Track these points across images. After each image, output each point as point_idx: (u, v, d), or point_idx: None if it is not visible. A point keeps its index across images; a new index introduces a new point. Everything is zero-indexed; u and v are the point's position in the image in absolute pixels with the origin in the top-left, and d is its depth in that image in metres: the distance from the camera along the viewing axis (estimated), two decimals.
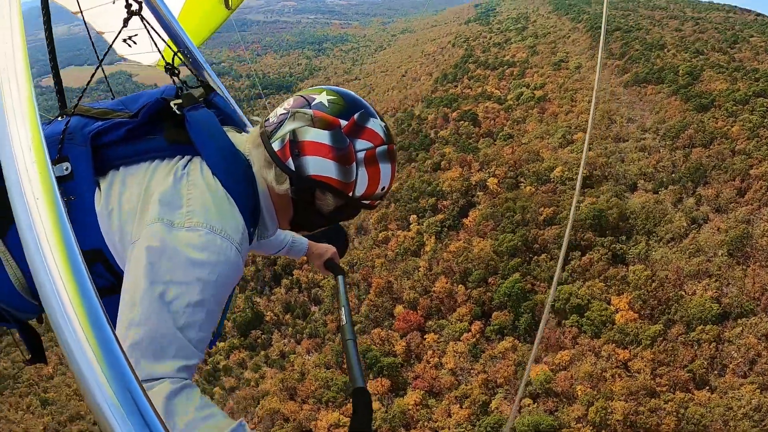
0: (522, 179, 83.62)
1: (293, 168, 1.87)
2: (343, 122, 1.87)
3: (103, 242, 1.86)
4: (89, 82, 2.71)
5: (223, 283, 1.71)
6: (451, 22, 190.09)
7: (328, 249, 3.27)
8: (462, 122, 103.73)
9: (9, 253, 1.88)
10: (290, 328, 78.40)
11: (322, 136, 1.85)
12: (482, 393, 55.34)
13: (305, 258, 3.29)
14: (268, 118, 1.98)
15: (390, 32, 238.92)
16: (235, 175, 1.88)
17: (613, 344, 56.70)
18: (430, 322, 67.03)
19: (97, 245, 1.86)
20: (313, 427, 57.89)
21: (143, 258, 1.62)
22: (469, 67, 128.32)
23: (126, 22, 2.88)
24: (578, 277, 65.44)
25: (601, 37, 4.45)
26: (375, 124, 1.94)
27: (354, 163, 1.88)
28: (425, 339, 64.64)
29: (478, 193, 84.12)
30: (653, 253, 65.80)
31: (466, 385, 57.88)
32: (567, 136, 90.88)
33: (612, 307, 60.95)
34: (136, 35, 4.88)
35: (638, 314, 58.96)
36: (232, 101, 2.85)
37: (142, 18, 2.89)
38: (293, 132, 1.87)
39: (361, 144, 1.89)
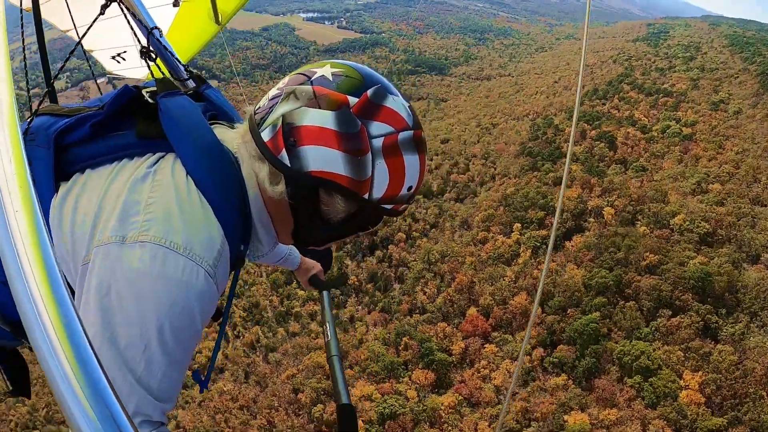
0: (639, 217, 77.05)
1: (288, 163, 1.47)
2: (353, 100, 1.44)
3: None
4: (56, 75, 2.47)
5: (189, 319, 1.36)
6: (619, 37, 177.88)
7: (314, 265, 2.99)
8: (598, 143, 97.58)
9: None
10: (367, 297, 79.13)
11: (324, 119, 1.42)
12: (515, 421, 52.60)
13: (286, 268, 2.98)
14: (260, 104, 1.56)
15: (555, 35, 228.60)
16: (216, 175, 1.49)
17: (666, 422, 50.16)
18: (495, 333, 64.61)
19: None
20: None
21: (92, 291, 1.33)
22: (623, 87, 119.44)
23: (103, 9, 2.53)
24: (659, 337, 58.70)
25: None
26: (396, 103, 1.49)
27: (369, 154, 1.45)
28: (484, 348, 62.52)
29: (590, 219, 78.98)
30: (750, 338, 56.71)
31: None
32: (703, 184, 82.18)
33: (681, 381, 53.64)
34: (124, 52, 4.98)
35: (706, 399, 51.57)
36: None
37: (120, 4, 2.52)
38: (286, 115, 1.46)
39: (378, 128, 1.45)
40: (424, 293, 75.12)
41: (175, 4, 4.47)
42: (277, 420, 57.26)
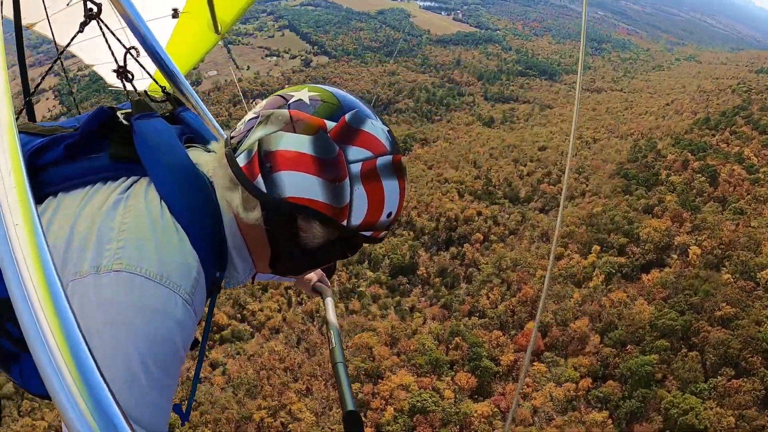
0: (726, 263, 70.97)
1: (264, 189, 1.42)
2: (330, 124, 1.41)
3: None
4: (36, 87, 2.40)
5: (171, 348, 1.31)
6: (743, 66, 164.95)
7: (317, 272, 2.90)
8: (699, 176, 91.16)
9: None
10: (432, 290, 79.93)
11: (301, 144, 1.39)
12: None
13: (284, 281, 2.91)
14: (236, 127, 1.55)
15: (675, 54, 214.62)
16: (190, 200, 1.46)
17: None
18: (548, 354, 63.27)
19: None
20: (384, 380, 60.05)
21: None
22: (737, 121, 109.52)
23: (82, 26, 2.54)
24: (715, 396, 53.85)
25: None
26: (374, 128, 1.46)
27: (347, 180, 1.41)
28: (533, 365, 61.07)
29: (674, 255, 74.69)
30: None
31: (537, 430, 54.55)
32: None
33: None
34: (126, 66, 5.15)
35: None
36: (212, 118, 2.49)
37: (100, 21, 2.50)
38: (263, 140, 1.42)
39: (356, 153, 1.42)
40: (488, 298, 74.69)
41: (175, 15, 4.52)
42: (314, 388, 59.69)
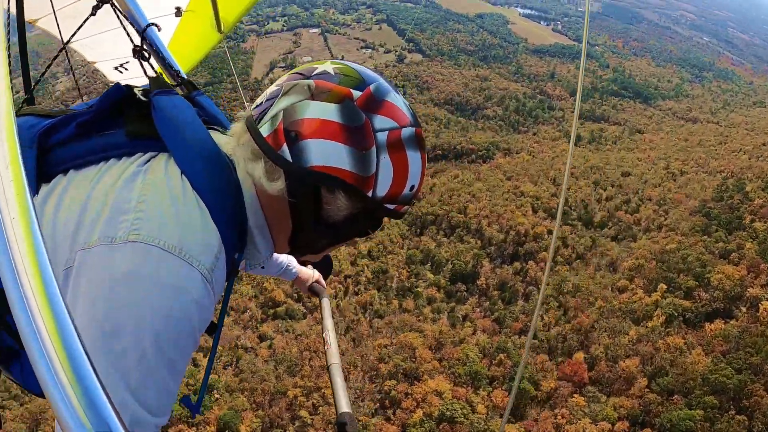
0: None
1: (289, 157, 1.38)
2: (356, 93, 1.38)
3: None
4: (41, 76, 2.25)
5: (186, 327, 1.26)
6: None
7: (313, 272, 2.96)
8: None
9: None
10: (488, 302, 79.61)
11: (328, 111, 1.35)
12: None
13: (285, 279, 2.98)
14: (257, 102, 1.51)
15: None
16: (213, 176, 1.41)
17: None
18: (591, 388, 61.38)
19: None
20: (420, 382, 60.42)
21: (79, 299, 1.22)
22: None
23: (95, 9, 2.55)
24: None
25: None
26: (398, 100, 1.46)
27: (373, 149, 1.38)
28: (573, 397, 59.73)
29: (742, 308, 70.47)
30: None
31: None
32: None
33: None
34: (128, 62, 4.84)
35: None
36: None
37: (113, 5, 2.49)
38: (288, 109, 1.39)
39: (382, 122, 1.39)
40: (542, 320, 73.30)
41: (178, 14, 4.46)
42: (352, 377, 60.71)
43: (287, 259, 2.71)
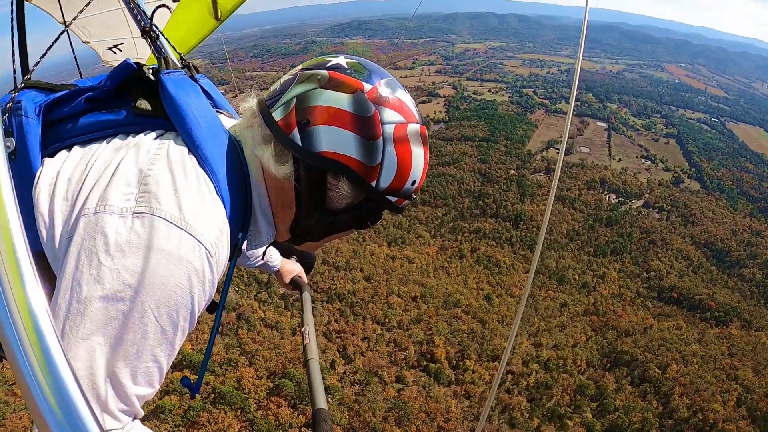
0: None
1: (299, 142, 1.41)
2: (367, 86, 1.43)
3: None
4: (45, 53, 2.10)
5: (187, 300, 1.23)
6: None
7: (295, 266, 2.93)
8: None
9: None
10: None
11: (340, 101, 1.40)
12: None
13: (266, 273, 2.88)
14: (270, 89, 1.54)
15: None
16: (220, 154, 1.41)
17: None
18: None
19: (38, 247, 1.34)
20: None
21: (76, 264, 1.18)
22: None
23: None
24: None
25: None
26: (406, 97, 1.50)
27: (380, 140, 1.41)
28: None
29: None
30: None
31: None
32: None
33: None
34: (122, 43, 4.90)
35: None
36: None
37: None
38: (301, 96, 1.42)
39: (390, 115, 1.43)
40: None
41: None
42: (367, 356, 60.52)
43: (268, 252, 2.65)
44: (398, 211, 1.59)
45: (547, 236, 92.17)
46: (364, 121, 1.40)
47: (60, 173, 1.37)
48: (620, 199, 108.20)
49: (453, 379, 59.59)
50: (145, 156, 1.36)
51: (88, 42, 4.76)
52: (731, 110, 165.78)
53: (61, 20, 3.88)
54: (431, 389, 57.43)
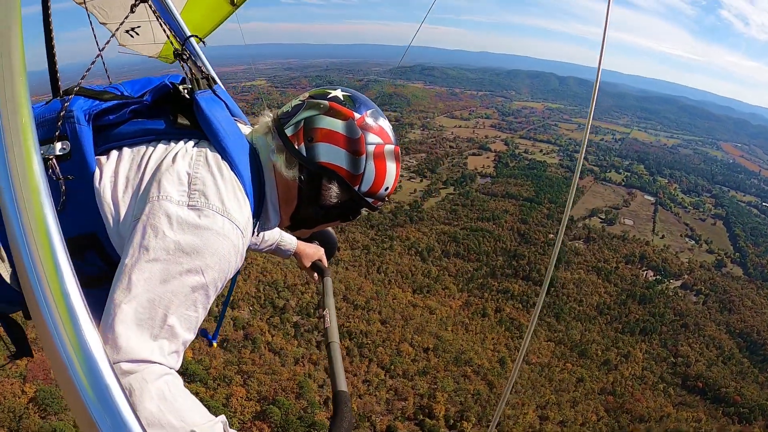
0: None
1: (305, 153, 1.85)
2: (357, 115, 1.87)
3: (99, 225, 1.68)
4: (90, 67, 2.21)
5: (224, 269, 1.59)
6: None
7: (317, 250, 3.19)
8: None
9: None
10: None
11: (336, 125, 1.85)
12: None
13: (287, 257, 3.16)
14: (283, 109, 1.97)
15: None
16: (245, 161, 1.81)
17: None
18: None
19: (91, 229, 1.68)
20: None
21: (143, 236, 1.50)
22: None
23: (132, 8, 2.67)
24: None
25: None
26: (385, 124, 1.95)
27: (364, 156, 1.87)
28: None
29: None
30: None
31: None
32: None
33: None
34: (139, 27, 4.86)
35: None
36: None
37: (151, 6, 2.71)
38: (308, 119, 1.86)
39: (372, 138, 1.88)
40: None
41: None
42: (364, 399, 59.66)
43: (279, 236, 3.02)
44: (373, 209, 2.04)
45: (575, 306, 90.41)
46: (353, 142, 1.85)
47: (119, 172, 1.72)
48: (658, 277, 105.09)
49: None
50: (189, 160, 1.71)
51: (105, 23, 4.86)
52: None
53: (79, 0, 4.02)
54: None
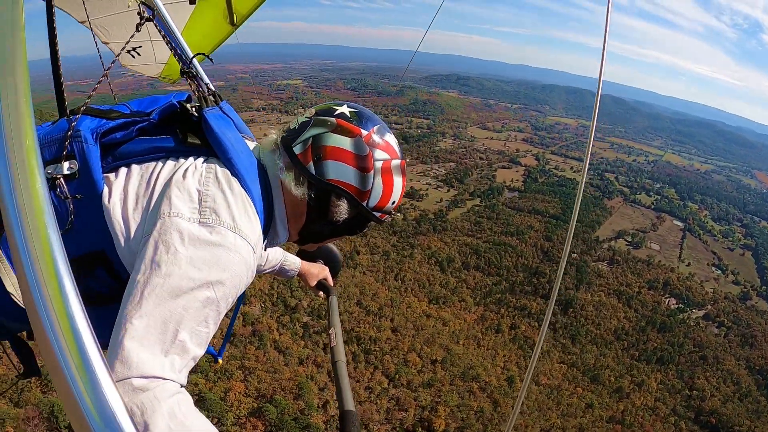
0: None
1: (313, 171, 1.84)
2: (364, 132, 1.86)
3: (108, 242, 1.66)
4: (96, 87, 2.27)
5: (236, 285, 1.58)
6: None
7: (322, 269, 3.20)
8: None
9: (5, 260, 1.67)
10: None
11: (343, 143, 1.83)
12: None
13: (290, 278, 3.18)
14: (289, 126, 1.96)
15: None
16: (254, 177, 1.80)
17: None
18: None
19: (100, 246, 1.67)
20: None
21: (155, 251, 1.48)
22: None
23: (138, 27, 2.64)
24: None
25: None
26: (391, 139, 1.94)
27: (372, 172, 1.86)
28: None
29: None
30: None
31: None
32: None
33: None
34: (140, 47, 4.88)
35: None
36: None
37: (156, 25, 2.72)
38: (316, 137, 1.85)
39: (379, 154, 1.87)
40: None
41: (192, 1, 4.39)
42: (364, 407, 58.98)
43: (282, 257, 3.03)
44: (380, 222, 2.03)
45: (593, 329, 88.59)
46: (361, 159, 1.84)
47: (128, 189, 1.71)
48: (680, 305, 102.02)
49: None
50: (199, 177, 1.71)
51: (108, 43, 4.87)
52: None
53: (81, 19, 4.01)
54: None
